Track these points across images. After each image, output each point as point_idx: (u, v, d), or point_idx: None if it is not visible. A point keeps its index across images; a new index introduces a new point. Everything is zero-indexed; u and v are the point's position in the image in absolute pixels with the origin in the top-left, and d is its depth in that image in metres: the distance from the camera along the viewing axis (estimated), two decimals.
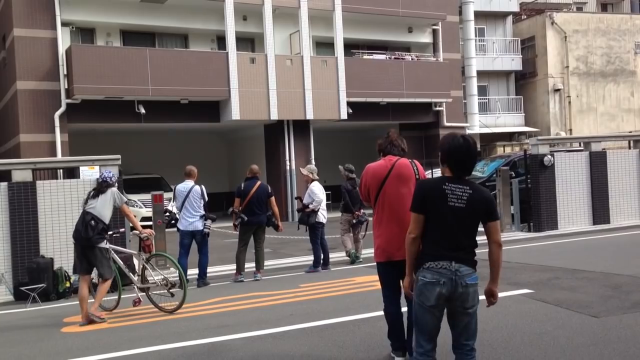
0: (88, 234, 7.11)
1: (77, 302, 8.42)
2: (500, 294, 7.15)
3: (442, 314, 3.61)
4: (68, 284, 9.22)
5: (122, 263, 7.76)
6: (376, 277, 5.03)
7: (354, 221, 10.61)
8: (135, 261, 8.16)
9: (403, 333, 4.79)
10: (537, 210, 13.55)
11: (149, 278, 7.66)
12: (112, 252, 7.53)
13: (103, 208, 7.27)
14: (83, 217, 7.24)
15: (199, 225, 9.30)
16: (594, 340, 5.28)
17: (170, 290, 7.47)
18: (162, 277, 7.61)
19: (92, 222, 7.15)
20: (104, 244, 7.29)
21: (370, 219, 5.77)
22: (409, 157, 5.13)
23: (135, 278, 7.71)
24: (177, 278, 7.70)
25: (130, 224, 8.11)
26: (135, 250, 7.87)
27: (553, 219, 13.57)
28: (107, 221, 7.31)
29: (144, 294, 7.64)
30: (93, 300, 7.32)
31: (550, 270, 8.68)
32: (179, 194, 9.38)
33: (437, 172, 20.78)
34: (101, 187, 7.42)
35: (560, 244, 11.71)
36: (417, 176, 4.81)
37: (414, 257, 3.72)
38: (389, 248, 4.69)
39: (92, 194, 7.43)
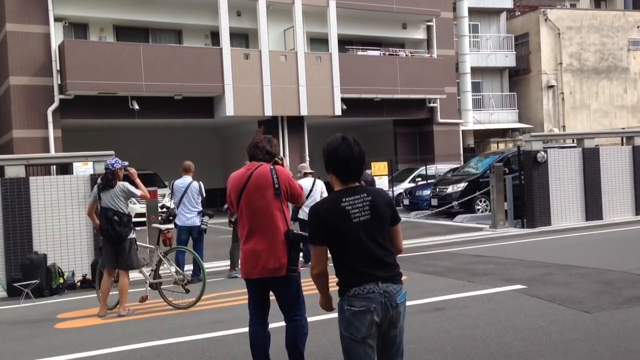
0: (117, 231, 7.03)
1: (71, 299, 8.41)
2: (493, 290, 7.26)
3: (375, 342, 3.18)
4: (61, 280, 9.19)
5: None
6: None
7: None
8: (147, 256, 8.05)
9: None
10: (531, 206, 13.60)
11: (161, 273, 7.54)
12: None
13: (118, 201, 7.15)
14: (104, 214, 7.09)
15: (196, 221, 9.31)
16: (587, 335, 5.31)
17: (186, 287, 7.36)
18: (181, 272, 7.51)
19: (115, 217, 7.06)
20: (132, 234, 7.22)
21: None
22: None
23: (147, 273, 7.56)
24: (190, 273, 7.66)
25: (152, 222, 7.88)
26: (150, 244, 7.76)
27: (546, 215, 13.62)
28: (126, 211, 7.22)
29: (151, 289, 7.55)
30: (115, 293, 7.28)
31: (543, 266, 8.72)
32: (177, 189, 9.36)
33: (431, 170, 20.95)
34: (105, 179, 7.23)
35: (553, 240, 11.76)
36: (275, 185, 4.22)
37: (325, 288, 3.29)
38: (246, 265, 4.26)
39: (101, 186, 7.24)
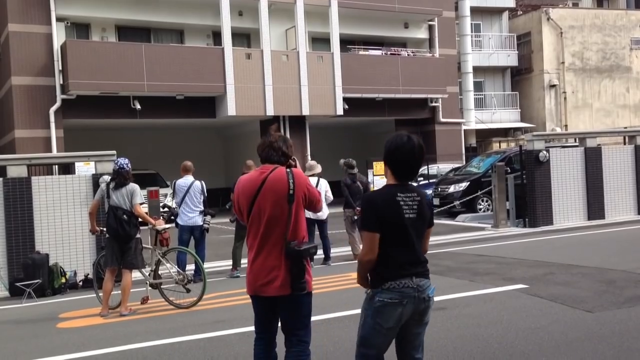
0: (126, 230, 7.03)
1: (73, 298, 8.41)
2: (494, 289, 7.26)
3: (396, 334, 3.31)
4: (63, 280, 9.20)
5: None
6: None
7: (355, 217, 10.50)
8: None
9: None
10: (533, 205, 13.58)
11: (161, 273, 7.54)
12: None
13: (127, 200, 7.16)
14: (114, 213, 7.07)
15: (198, 220, 9.31)
16: (588, 334, 5.31)
17: (186, 286, 7.35)
18: (180, 272, 7.50)
19: (125, 217, 7.06)
20: (138, 234, 7.26)
21: None
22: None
23: (147, 274, 7.56)
24: (192, 273, 7.64)
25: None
26: (149, 245, 7.76)
27: (548, 214, 13.61)
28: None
29: (151, 289, 7.55)
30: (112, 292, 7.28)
31: (545, 265, 8.71)
32: (179, 189, 9.36)
33: (433, 169, 20.93)
34: (120, 177, 7.20)
35: (555, 240, 11.75)
36: (291, 191, 3.69)
37: (366, 272, 3.31)
38: (255, 281, 3.73)
39: (112, 185, 7.22)
